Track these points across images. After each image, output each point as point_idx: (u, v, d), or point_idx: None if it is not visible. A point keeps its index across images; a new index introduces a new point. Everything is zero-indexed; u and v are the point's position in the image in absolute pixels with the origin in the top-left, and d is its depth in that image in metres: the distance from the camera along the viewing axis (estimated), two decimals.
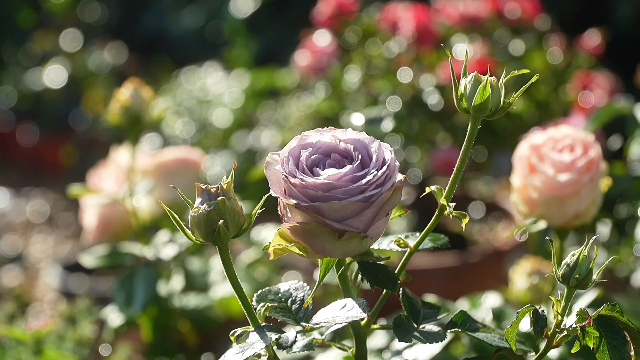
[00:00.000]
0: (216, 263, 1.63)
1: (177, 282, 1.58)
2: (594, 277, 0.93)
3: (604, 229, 1.78)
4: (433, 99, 1.97)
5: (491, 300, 1.46)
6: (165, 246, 1.51)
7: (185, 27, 4.67)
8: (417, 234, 0.97)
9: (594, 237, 0.95)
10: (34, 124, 4.56)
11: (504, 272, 2.04)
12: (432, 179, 2.13)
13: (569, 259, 0.92)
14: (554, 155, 1.18)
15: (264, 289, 0.96)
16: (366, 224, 0.88)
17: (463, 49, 2.09)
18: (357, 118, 1.50)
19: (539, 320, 0.91)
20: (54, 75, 4.46)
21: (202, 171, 1.69)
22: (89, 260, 1.49)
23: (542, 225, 1.23)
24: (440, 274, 2.04)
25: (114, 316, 1.49)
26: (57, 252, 3.40)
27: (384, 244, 0.96)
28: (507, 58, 2.11)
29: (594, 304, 1.24)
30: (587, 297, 1.26)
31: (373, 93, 2.05)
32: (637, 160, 1.74)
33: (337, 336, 1.24)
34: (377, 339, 1.27)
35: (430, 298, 1.31)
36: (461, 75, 0.94)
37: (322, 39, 2.20)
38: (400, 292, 0.97)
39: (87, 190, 1.56)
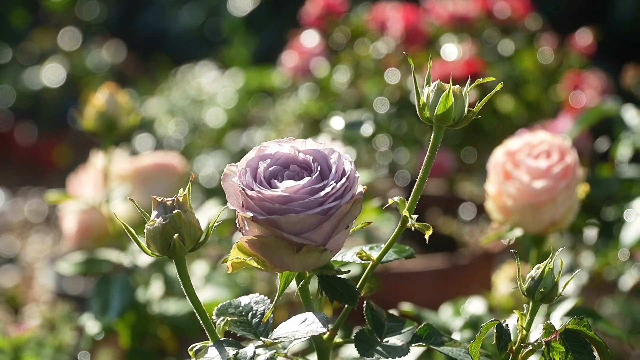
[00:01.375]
0: (197, 269, 1.61)
1: (156, 288, 1.56)
2: (560, 290, 0.91)
3: (591, 232, 1.76)
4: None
5: (474, 306, 1.44)
6: (141, 253, 1.49)
7: (184, 25, 4.66)
8: (382, 245, 0.95)
9: (560, 249, 0.93)
10: (33, 123, 4.55)
11: (494, 275, 2.02)
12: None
13: (534, 272, 0.90)
14: (529, 162, 1.16)
15: (224, 303, 0.94)
16: (325, 237, 0.86)
17: (452, 49, 2.07)
18: (337, 122, 1.48)
19: (502, 335, 0.88)
20: (52, 74, 4.44)
21: (182, 176, 1.67)
22: (65, 267, 1.47)
23: (517, 232, 1.21)
24: (429, 276, 2.02)
25: (90, 324, 1.48)
26: (55, 252, 3.38)
27: (349, 256, 0.94)
28: (497, 58, 2.09)
29: (572, 313, 1.22)
30: (565, 306, 1.24)
31: (361, 94, 2.03)
32: (624, 162, 1.72)
33: (300, 351, 1.22)
34: (352, 348, 1.24)
35: (406, 307, 1.28)
36: (424, 84, 0.91)
37: (309, 39, 2.18)
38: (364, 305, 0.95)
39: (64, 196, 1.54)
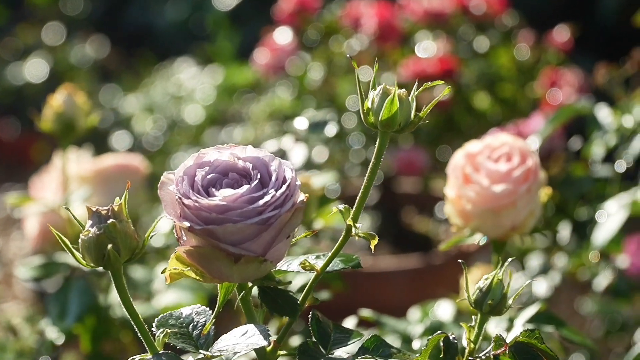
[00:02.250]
0: (160, 270, 1.58)
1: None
2: (510, 302, 0.88)
3: (564, 233, 1.73)
4: None
5: (441, 310, 1.42)
6: None
7: (169, 20, 4.62)
8: (329, 253, 0.92)
9: (510, 260, 0.90)
10: (16, 119, 4.51)
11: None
12: (396, 179, 2.08)
13: (482, 283, 0.88)
14: (489, 165, 1.13)
15: (165, 314, 0.91)
16: (265, 247, 0.83)
17: (427, 46, 2.04)
18: (300, 122, 1.45)
19: (449, 349, 0.85)
20: (34, 70, 4.40)
21: (144, 177, 1.64)
22: (23, 271, 1.44)
23: (478, 237, 1.18)
24: (403, 276, 1.99)
25: (49, 329, 1.45)
26: None
27: (294, 265, 0.91)
28: (472, 55, 2.06)
29: (536, 319, 1.19)
30: (529, 311, 1.21)
31: (334, 92, 2.00)
32: (598, 161, 1.69)
33: None
34: None
35: (366, 312, 1.25)
36: (370, 88, 0.88)
37: (282, 36, 2.14)
38: (310, 315, 0.92)
39: (25, 198, 1.51)
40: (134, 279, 1.55)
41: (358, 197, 0.88)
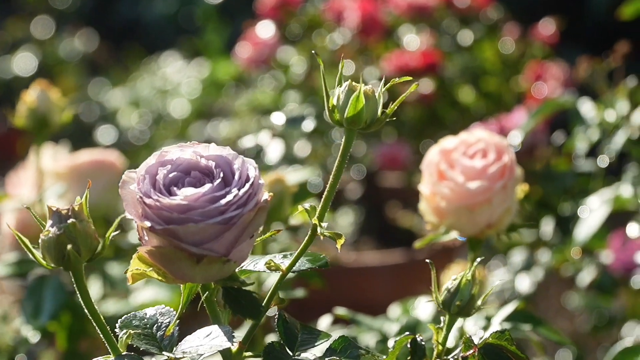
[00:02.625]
0: None
1: (95, 288, 1.51)
2: (479, 302, 0.86)
3: (548, 228, 1.72)
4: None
5: (420, 308, 1.40)
6: None
7: (158, 13, 4.60)
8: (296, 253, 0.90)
9: (480, 259, 0.88)
10: (3, 114, 4.48)
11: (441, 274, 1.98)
12: (379, 174, 2.06)
13: (450, 283, 0.86)
14: (464, 161, 1.11)
15: (129, 314, 0.89)
16: (228, 247, 0.81)
17: (410, 39, 2.02)
18: (278, 117, 1.43)
19: (417, 351, 0.84)
20: (23, 63, 4.38)
21: (121, 173, 1.61)
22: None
23: (453, 235, 1.16)
24: (386, 271, 1.98)
25: (24, 327, 1.43)
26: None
27: (261, 264, 0.89)
28: (455, 49, 2.04)
29: (512, 317, 1.18)
30: (506, 309, 1.19)
31: (317, 86, 1.98)
32: (581, 156, 1.68)
33: None
34: None
35: (340, 311, 1.23)
36: (336, 84, 0.86)
37: (264, 30, 2.12)
38: (276, 316, 0.90)
39: (0, 195, 1.49)
40: (112, 276, 1.53)
41: (324, 197, 0.86)
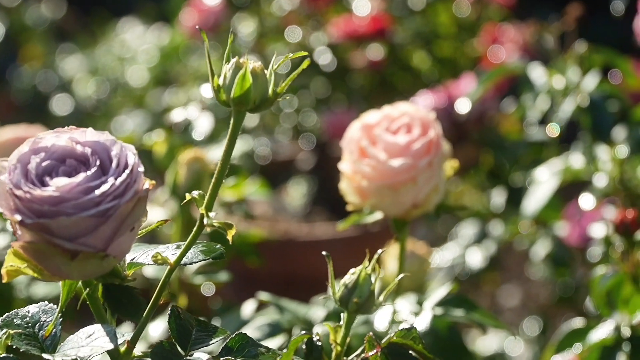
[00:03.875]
0: None
1: None
2: (381, 298, 0.80)
3: (499, 199, 1.66)
4: (325, 59, 1.83)
5: None
6: (2, 233, 1.38)
7: None
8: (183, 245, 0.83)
9: (381, 251, 0.82)
10: None
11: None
12: (331, 144, 1.99)
13: (348, 278, 0.79)
14: (387, 137, 1.04)
15: (11, 312, 0.83)
16: (105, 242, 0.75)
17: (360, 3, 1.95)
18: (206, 89, 1.36)
19: (312, 351, 0.77)
20: None
21: None
22: None
23: (378, 216, 1.10)
24: (339, 244, 1.92)
25: None
26: None
27: (143, 257, 0.82)
28: (408, 13, 1.96)
29: (445, 302, 1.12)
30: (438, 293, 1.13)
31: (264, 54, 1.91)
32: (532, 124, 1.61)
33: None
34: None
35: (264, 296, 1.17)
36: (224, 61, 0.79)
37: None
38: (168, 312, 0.83)
39: None
40: None
41: (211, 184, 0.79)
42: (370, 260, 0.82)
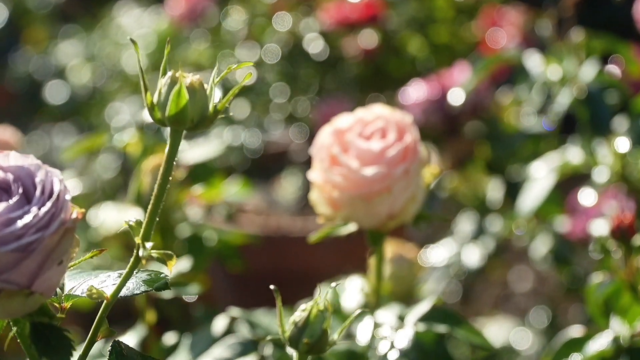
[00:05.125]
0: None
1: None
2: (335, 337, 0.72)
3: (496, 194, 1.58)
4: (316, 47, 1.75)
5: (348, 290, 1.28)
6: None
7: None
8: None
9: (336, 284, 0.75)
10: None
11: (406, 237, 1.84)
12: None
13: (298, 315, 0.72)
14: (359, 143, 0.96)
15: None
16: (29, 278, 0.67)
17: None
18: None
19: None
20: None
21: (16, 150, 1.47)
22: None
23: (352, 228, 1.02)
24: (333, 239, 1.84)
25: None
26: None
27: (86, 287, 0.75)
28: None
29: (428, 317, 1.04)
30: (422, 307, 1.06)
31: (255, 42, 1.83)
32: (530, 115, 1.53)
33: None
34: None
35: (235, 312, 1.09)
36: (160, 74, 0.72)
37: None
38: (110, 347, 0.76)
39: None
40: None
41: (148, 211, 0.71)
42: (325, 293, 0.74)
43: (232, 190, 1.36)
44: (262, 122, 1.83)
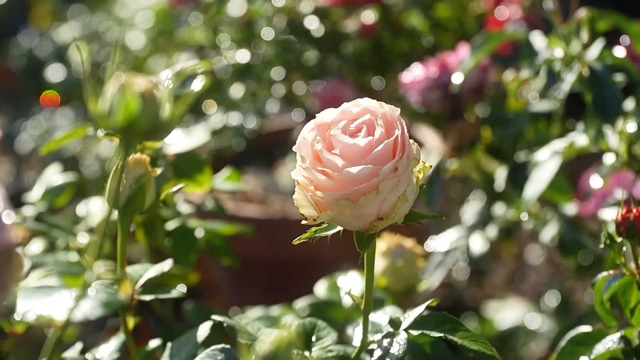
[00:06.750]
0: None
1: None
2: None
3: (500, 179, 1.51)
4: (313, 24, 1.68)
5: (349, 286, 1.23)
6: None
7: None
8: None
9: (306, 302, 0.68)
10: None
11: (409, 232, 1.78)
12: None
13: (265, 347, 0.65)
14: (344, 139, 0.89)
15: None
16: None
17: None
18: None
19: None
20: None
21: None
22: None
23: (339, 229, 0.95)
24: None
25: None
26: None
27: (38, 310, 0.69)
28: None
29: (423, 321, 0.99)
30: (417, 311, 1.00)
31: (250, 21, 1.76)
32: (536, 95, 1.46)
33: None
34: None
35: (218, 317, 1.03)
36: (107, 77, 0.65)
37: None
38: None
39: None
40: None
41: (97, 233, 0.65)
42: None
43: (219, 180, 1.31)
44: (263, 104, 1.77)
